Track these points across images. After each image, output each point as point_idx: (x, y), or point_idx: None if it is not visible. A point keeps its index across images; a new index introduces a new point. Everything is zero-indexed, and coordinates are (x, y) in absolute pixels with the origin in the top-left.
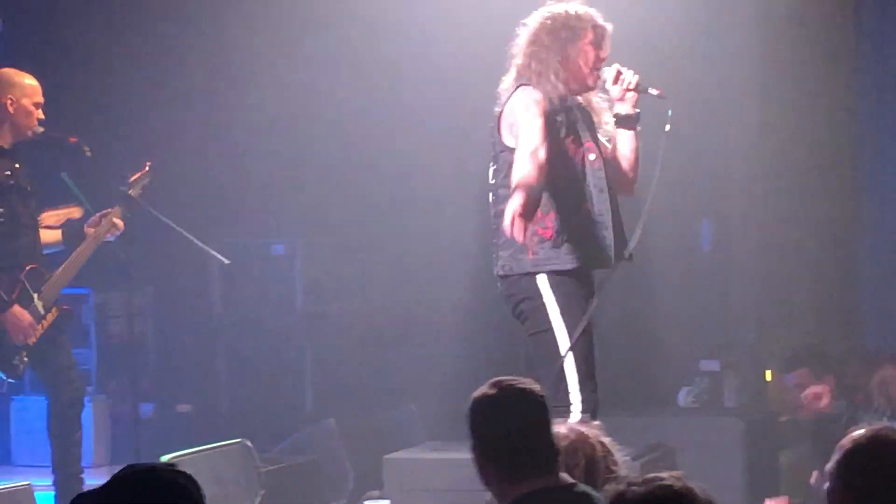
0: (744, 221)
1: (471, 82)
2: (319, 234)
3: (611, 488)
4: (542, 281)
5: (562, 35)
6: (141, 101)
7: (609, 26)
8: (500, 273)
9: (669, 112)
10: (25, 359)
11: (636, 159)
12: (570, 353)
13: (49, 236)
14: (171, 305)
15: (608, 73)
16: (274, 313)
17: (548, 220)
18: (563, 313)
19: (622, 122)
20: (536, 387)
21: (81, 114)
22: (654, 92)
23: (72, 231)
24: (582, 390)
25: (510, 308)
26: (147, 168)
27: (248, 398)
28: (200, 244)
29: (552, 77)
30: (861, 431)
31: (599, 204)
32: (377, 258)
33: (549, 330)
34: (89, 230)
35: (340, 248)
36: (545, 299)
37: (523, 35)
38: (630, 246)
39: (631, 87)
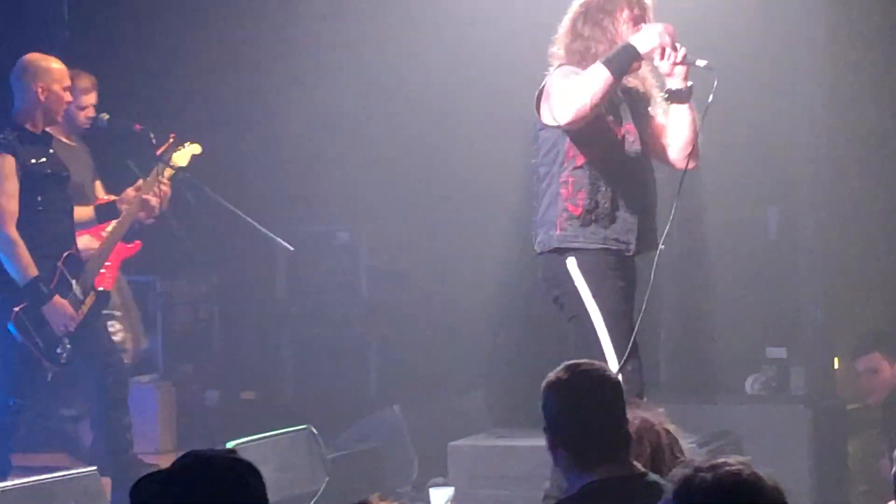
0: (810, 208)
1: (526, 74)
2: (384, 222)
3: (678, 472)
4: (571, 264)
5: (599, 18)
6: (209, 89)
7: (650, 1)
8: (537, 250)
9: (715, 83)
10: (68, 346)
11: (693, 133)
12: (608, 335)
13: (82, 214)
14: (236, 293)
15: (655, 49)
16: (338, 300)
17: (578, 198)
18: (594, 296)
19: (674, 96)
20: (611, 372)
21: (147, 101)
22: (701, 63)
23: (105, 209)
24: (621, 371)
25: (549, 297)
26: (172, 140)
27: (313, 385)
28: (266, 231)
29: (599, 53)
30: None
31: (631, 188)
32: (442, 246)
33: (584, 313)
34: (122, 206)
35: (405, 235)
36: (577, 284)
37: (561, 27)
38: (664, 231)
39: (677, 60)
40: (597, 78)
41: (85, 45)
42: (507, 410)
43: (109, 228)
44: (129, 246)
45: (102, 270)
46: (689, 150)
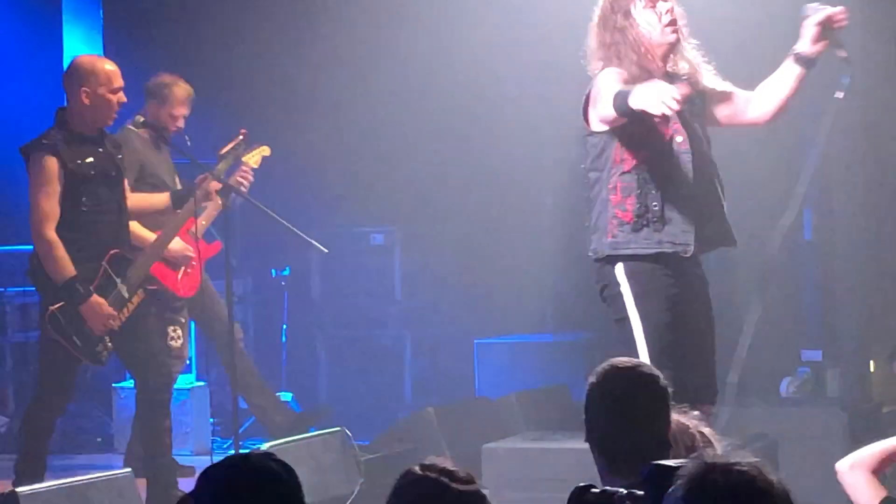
0: (846, 210)
1: (564, 76)
2: (418, 224)
3: (689, 467)
4: (619, 270)
5: (616, 13)
6: (244, 92)
7: None
8: (591, 256)
9: (844, 80)
10: (109, 345)
11: (788, 98)
12: (645, 344)
13: (156, 199)
14: (271, 294)
15: (819, 13)
16: (373, 302)
17: (628, 203)
18: (637, 303)
19: (801, 59)
20: (655, 373)
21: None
22: (842, 54)
23: (179, 197)
24: None
25: (601, 297)
26: (241, 137)
27: (348, 387)
28: (300, 233)
29: (629, 55)
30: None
31: (684, 188)
32: (477, 249)
33: (626, 318)
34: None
35: (439, 238)
36: (622, 288)
37: (591, 23)
38: (784, 223)
39: (825, 35)
40: (608, 107)
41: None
42: (541, 413)
43: (163, 231)
44: (211, 245)
45: (188, 271)
46: (778, 108)
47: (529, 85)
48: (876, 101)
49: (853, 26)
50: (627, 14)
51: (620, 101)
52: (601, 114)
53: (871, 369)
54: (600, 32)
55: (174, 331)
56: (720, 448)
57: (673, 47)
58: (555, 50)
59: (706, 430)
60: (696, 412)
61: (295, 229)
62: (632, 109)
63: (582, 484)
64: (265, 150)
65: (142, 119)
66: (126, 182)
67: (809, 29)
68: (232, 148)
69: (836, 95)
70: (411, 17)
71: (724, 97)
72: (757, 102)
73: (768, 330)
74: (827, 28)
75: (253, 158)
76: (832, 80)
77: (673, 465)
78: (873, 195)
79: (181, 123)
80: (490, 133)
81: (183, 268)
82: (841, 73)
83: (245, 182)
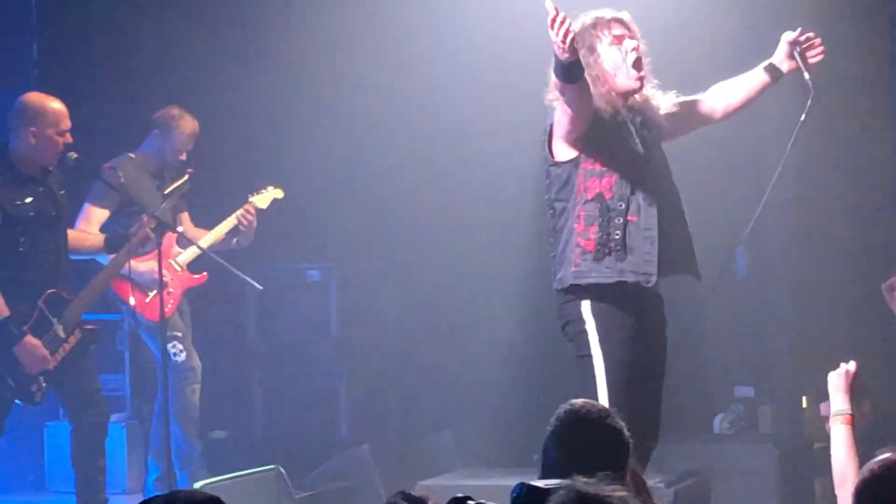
0: (778, 247)
1: (514, 105)
2: (355, 259)
3: (564, 493)
4: (585, 307)
5: (581, 47)
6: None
7: (625, 15)
8: (556, 287)
9: (808, 102)
10: (44, 384)
11: (750, 97)
12: (605, 384)
13: (91, 241)
14: (207, 331)
15: (800, 34)
16: (309, 339)
17: (591, 232)
18: (601, 341)
19: (770, 69)
20: (621, 425)
21: (114, 138)
22: (806, 76)
23: (114, 240)
24: None
25: (561, 330)
26: (187, 176)
27: (283, 424)
28: (235, 271)
29: (593, 88)
30: (882, 457)
31: (647, 218)
32: (412, 285)
33: (588, 356)
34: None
35: (376, 274)
36: (587, 325)
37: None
38: (744, 233)
39: (800, 56)
40: (556, 86)
41: (55, 82)
42: (476, 450)
43: (104, 270)
44: (197, 277)
45: (171, 291)
46: (734, 108)
47: (469, 120)
48: (809, 139)
49: None
50: (592, 49)
51: (556, 69)
52: (565, 112)
53: (804, 406)
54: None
55: (173, 346)
56: (652, 483)
57: (636, 91)
58: (506, 76)
59: (638, 469)
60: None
61: (230, 266)
62: (565, 63)
63: (459, 496)
64: (278, 193)
65: (75, 156)
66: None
67: (783, 45)
68: (177, 186)
69: (801, 118)
70: (355, 51)
71: (681, 110)
72: (712, 100)
73: (701, 365)
74: (798, 50)
75: (262, 200)
76: (796, 104)
77: (543, 486)
78: (805, 232)
79: (184, 157)
80: (427, 169)
81: (154, 291)
82: (805, 97)
83: (244, 222)
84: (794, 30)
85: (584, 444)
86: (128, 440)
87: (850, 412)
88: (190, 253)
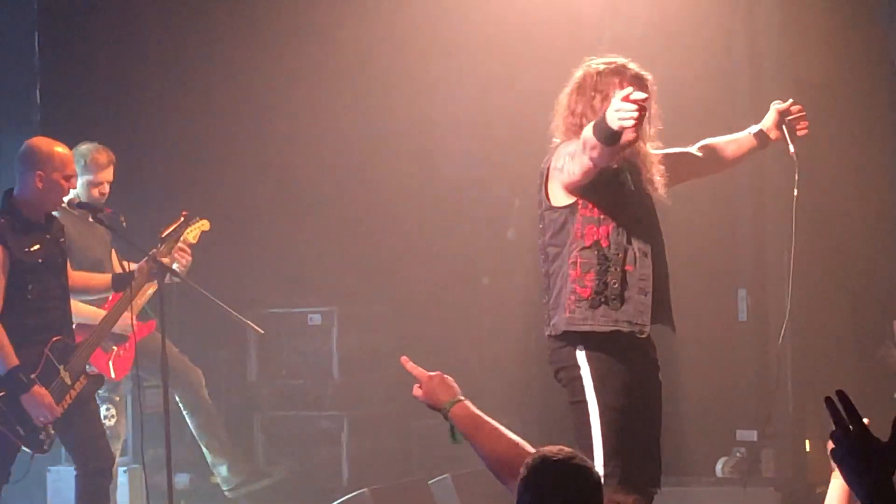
0: (780, 290)
1: (513, 148)
2: (356, 303)
3: None
4: (580, 352)
5: (591, 96)
6: (178, 171)
7: (648, 75)
8: (549, 334)
9: (796, 176)
10: (52, 432)
11: (739, 161)
12: (600, 431)
13: (98, 281)
14: (208, 375)
15: (778, 104)
16: (310, 383)
17: (587, 279)
18: (596, 386)
19: (759, 135)
20: (588, 464)
21: (115, 183)
22: (791, 149)
23: (121, 280)
24: (606, 465)
25: (552, 373)
26: (182, 218)
27: (285, 468)
28: (236, 314)
29: None
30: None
31: (642, 268)
32: (413, 328)
33: (583, 401)
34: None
35: (377, 317)
36: (581, 371)
37: (559, 101)
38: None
39: (788, 126)
40: (592, 142)
41: (57, 123)
42: (476, 493)
43: (105, 315)
44: (145, 324)
45: (120, 353)
46: (721, 167)
47: (468, 164)
48: (809, 182)
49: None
50: (606, 97)
51: (600, 130)
52: (578, 165)
53: (807, 449)
54: (574, 100)
55: (108, 409)
56: None
57: (630, 144)
58: (506, 122)
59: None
60: (636, 495)
61: (231, 311)
62: (615, 132)
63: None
64: (204, 225)
65: (77, 200)
66: (69, 265)
67: (772, 112)
68: (173, 229)
69: (794, 193)
70: (346, 94)
71: (669, 163)
72: (701, 158)
73: (703, 409)
74: (786, 121)
75: (192, 234)
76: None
77: None
78: (807, 275)
79: (106, 190)
80: (427, 213)
81: (115, 349)
82: (795, 170)
83: (182, 260)
84: (785, 100)
85: (552, 488)
86: (129, 484)
87: None
88: (136, 304)
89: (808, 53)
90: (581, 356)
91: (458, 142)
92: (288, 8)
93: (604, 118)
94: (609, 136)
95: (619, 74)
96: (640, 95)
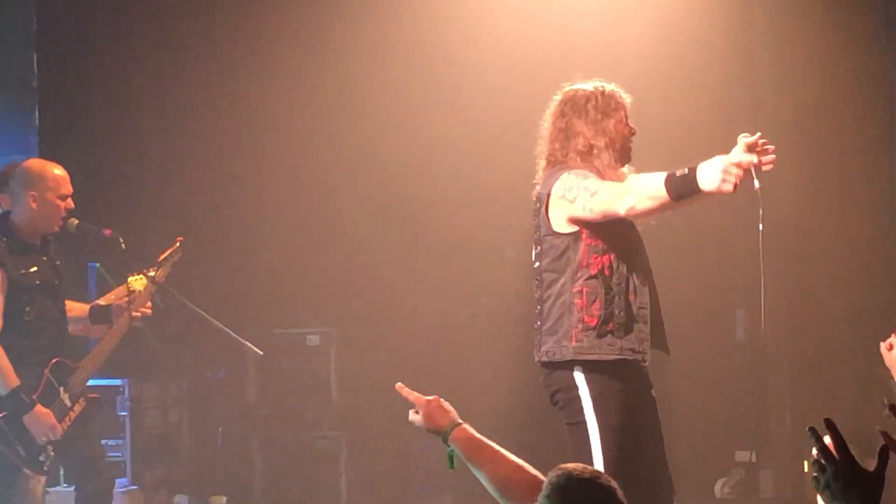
0: (778, 311)
1: (513, 168)
2: (355, 324)
3: None
4: (577, 373)
5: (597, 118)
6: (175, 192)
7: (630, 98)
8: (543, 360)
9: (760, 211)
10: (52, 453)
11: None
12: (601, 450)
13: (77, 310)
14: (206, 396)
15: (746, 137)
16: (309, 404)
17: (594, 308)
18: (595, 406)
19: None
20: (613, 485)
21: (115, 205)
22: (756, 184)
23: (99, 312)
24: None
25: (547, 396)
26: (178, 245)
27: (283, 489)
28: (235, 336)
29: (595, 153)
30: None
31: (641, 297)
32: (412, 349)
33: (582, 422)
34: (116, 318)
35: (375, 338)
36: (579, 392)
37: (546, 127)
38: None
39: (755, 162)
40: (655, 195)
41: (54, 148)
42: None
43: (105, 337)
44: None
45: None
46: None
47: (466, 184)
48: (806, 203)
49: (784, 131)
50: (607, 113)
51: (682, 185)
52: (606, 205)
53: (805, 469)
54: (569, 122)
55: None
56: None
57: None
58: (492, 149)
59: None
60: None
61: (229, 332)
62: (696, 192)
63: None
64: (175, 257)
65: (76, 222)
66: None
67: (740, 145)
68: (169, 254)
69: (759, 228)
70: (346, 114)
71: None
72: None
73: (701, 431)
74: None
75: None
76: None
77: None
78: (805, 296)
79: (71, 204)
80: (425, 234)
81: None
82: (759, 206)
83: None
84: (753, 133)
85: None
86: None
87: None
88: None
89: (804, 73)
90: (579, 377)
91: (457, 162)
92: (290, 18)
93: (692, 176)
94: (688, 193)
95: (614, 97)
96: (751, 159)
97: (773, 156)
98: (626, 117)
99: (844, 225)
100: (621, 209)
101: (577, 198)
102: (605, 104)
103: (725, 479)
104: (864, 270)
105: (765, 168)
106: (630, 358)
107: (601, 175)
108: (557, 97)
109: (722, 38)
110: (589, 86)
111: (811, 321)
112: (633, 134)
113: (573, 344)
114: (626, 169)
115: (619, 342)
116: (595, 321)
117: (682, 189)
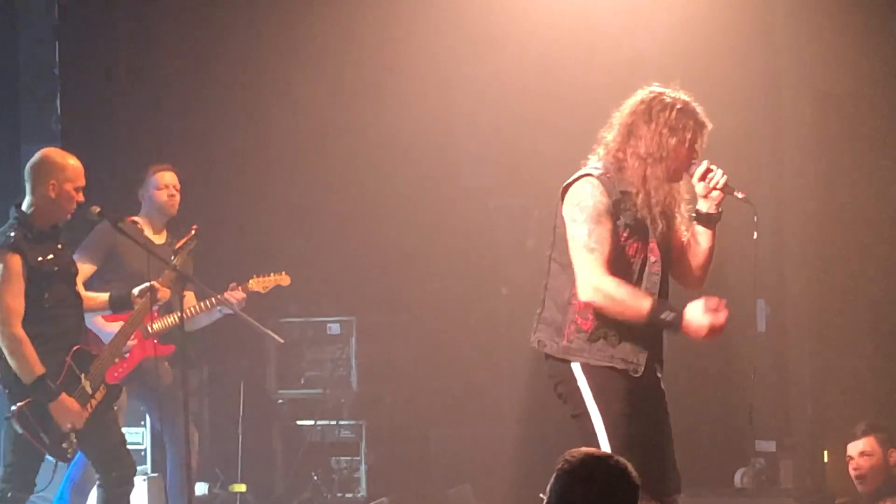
0: (799, 301)
1: (536, 163)
2: (375, 313)
3: None
4: (576, 366)
5: (663, 132)
6: (196, 180)
7: (710, 125)
8: (534, 346)
9: (755, 218)
10: (74, 441)
11: (709, 258)
12: (607, 440)
13: (95, 301)
14: (227, 384)
15: (697, 168)
16: (329, 392)
17: (589, 312)
18: (595, 396)
19: (702, 219)
20: (627, 464)
21: (136, 193)
22: (739, 195)
23: (119, 300)
24: None
25: (554, 391)
26: (193, 232)
27: (304, 478)
28: (256, 324)
29: (649, 162)
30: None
31: None
32: (432, 339)
33: (585, 413)
34: (137, 300)
35: (396, 327)
36: (579, 383)
37: (619, 118)
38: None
39: (718, 186)
40: (632, 308)
41: (76, 137)
42: (495, 503)
43: (124, 325)
44: (163, 346)
45: (125, 356)
46: (701, 274)
47: (488, 174)
48: (828, 194)
49: (808, 124)
50: (677, 127)
51: (661, 323)
52: (590, 297)
53: (825, 460)
54: (638, 125)
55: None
56: None
57: (675, 180)
58: (515, 140)
59: None
60: (654, 502)
61: (251, 320)
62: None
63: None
64: (284, 280)
65: (98, 209)
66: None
67: (698, 187)
68: (185, 242)
69: (753, 237)
70: (367, 107)
71: (680, 247)
72: (686, 268)
73: (722, 421)
74: (710, 180)
75: (262, 284)
76: (746, 224)
77: None
78: (825, 286)
79: (82, 197)
80: (446, 223)
81: (117, 357)
82: (750, 214)
83: (236, 304)
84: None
85: (594, 485)
86: (149, 493)
87: None
88: (166, 322)
89: (828, 66)
90: (577, 368)
91: (478, 153)
92: (305, 15)
93: (679, 320)
94: (663, 328)
95: (692, 118)
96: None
97: (725, 177)
98: (695, 141)
99: (866, 216)
100: (582, 288)
101: (573, 232)
102: (677, 121)
103: (745, 470)
104: (891, 260)
105: (713, 187)
106: (620, 367)
107: (645, 183)
108: (643, 92)
109: (743, 31)
110: (673, 96)
111: (832, 312)
112: (692, 159)
113: (564, 343)
114: (684, 230)
115: (610, 349)
116: (588, 325)
117: (660, 323)
